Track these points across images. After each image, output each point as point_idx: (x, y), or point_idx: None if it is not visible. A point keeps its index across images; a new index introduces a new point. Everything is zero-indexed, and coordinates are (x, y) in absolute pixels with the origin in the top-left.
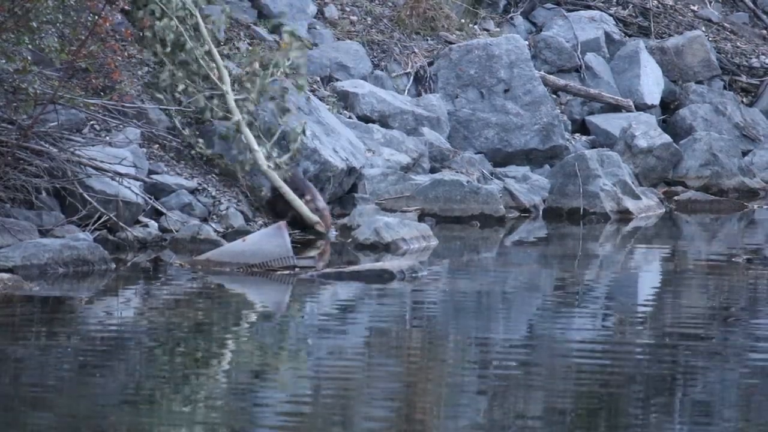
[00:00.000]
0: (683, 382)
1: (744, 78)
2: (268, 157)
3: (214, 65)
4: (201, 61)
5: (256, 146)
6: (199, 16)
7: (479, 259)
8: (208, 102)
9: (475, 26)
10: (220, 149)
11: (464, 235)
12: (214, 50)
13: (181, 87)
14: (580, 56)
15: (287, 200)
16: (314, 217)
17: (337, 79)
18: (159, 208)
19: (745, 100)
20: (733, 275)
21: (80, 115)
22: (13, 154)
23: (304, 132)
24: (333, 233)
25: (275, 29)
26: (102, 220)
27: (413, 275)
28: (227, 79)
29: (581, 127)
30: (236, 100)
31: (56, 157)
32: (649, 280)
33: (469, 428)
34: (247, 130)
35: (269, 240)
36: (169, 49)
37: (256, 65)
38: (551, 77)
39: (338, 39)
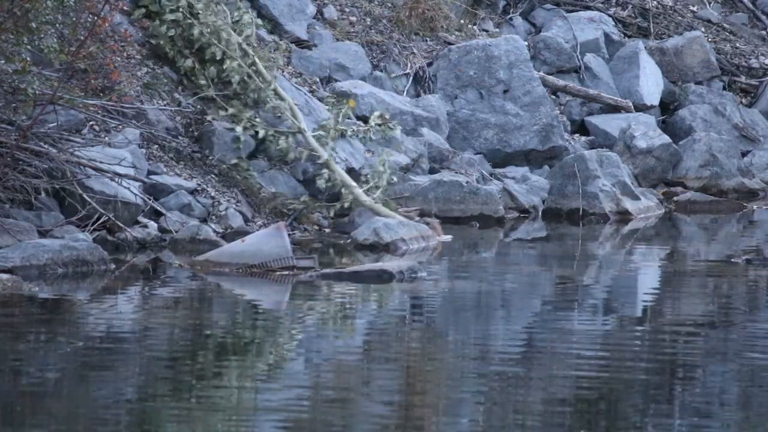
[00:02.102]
0: (682, 382)
1: (743, 79)
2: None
3: (284, 104)
4: (273, 100)
5: (352, 182)
6: (255, 56)
7: (479, 259)
8: (289, 142)
9: (475, 27)
10: (219, 151)
11: (464, 236)
12: (280, 89)
13: (262, 132)
14: (579, 57)
15: None
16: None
17: (337, 80)
18: (158, 208)
19: (744, 100)
20: (733, 276)
21: (79, 116)
22: (12, 155)
23: (385, 166)
24: (447, 237)
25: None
26: (101, 220)
27: (413, 276)
28: (301, 116)
29: (580, 128)
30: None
31: (55, 158)
32: (648, 281)
33: (468, 428)
34: (338, 168)
35: (269, 240)
36: (239, 92)
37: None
38: (550, 78)
39: (337, 40)
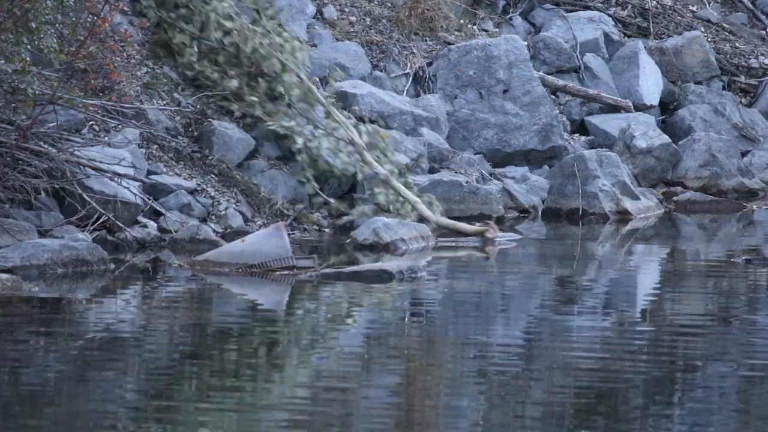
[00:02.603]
0: (681, 382)
1: (743, 78)
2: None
3: (336, 122)
4: (335, 116)
5: (415, 197)
6: (306, 79)
7: (478, 259)
8: (351, 159)
9: (474, 27)
10: (219, 151)
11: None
12: (335, 111)
13: (325, 145)
14: (579, 57)
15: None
16: (481, 228)
17: (336, 80)
18: (158, 208)
19: (743, 100)
20: (732, 275)
21: (79, 116)
22: (12, 155)
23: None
24: (504, 239)
25: None
26: (101, 220)
27: (412, 275)
28: (356, 133)
29: (580, 128)
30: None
31: (55, 158)
32: (647, 281)
33: (467, 429)
34: (398, 184)
35: (268, 240)
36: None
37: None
38: (550, 78)
39: (337, 39)
